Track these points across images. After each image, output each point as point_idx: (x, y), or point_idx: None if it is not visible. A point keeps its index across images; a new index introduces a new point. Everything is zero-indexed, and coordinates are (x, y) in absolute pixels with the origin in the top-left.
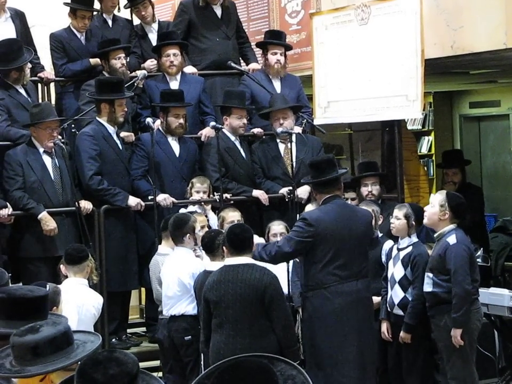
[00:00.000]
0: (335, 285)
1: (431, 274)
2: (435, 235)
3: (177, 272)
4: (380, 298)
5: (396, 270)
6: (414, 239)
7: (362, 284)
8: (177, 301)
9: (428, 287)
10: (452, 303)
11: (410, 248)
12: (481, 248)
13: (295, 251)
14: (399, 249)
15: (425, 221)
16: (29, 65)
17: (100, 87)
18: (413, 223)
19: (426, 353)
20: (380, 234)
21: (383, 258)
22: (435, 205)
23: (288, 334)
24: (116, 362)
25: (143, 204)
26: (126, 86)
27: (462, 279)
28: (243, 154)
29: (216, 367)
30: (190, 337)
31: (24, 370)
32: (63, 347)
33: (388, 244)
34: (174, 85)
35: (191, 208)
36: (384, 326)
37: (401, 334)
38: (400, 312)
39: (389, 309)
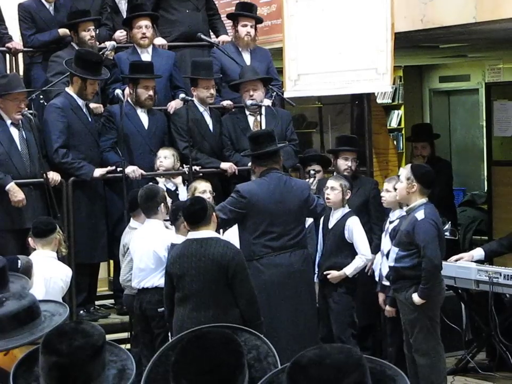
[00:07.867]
0: (267, 256)
1: (396, 249)
2: (405, 209)
3: (152, 245)
4: (340, 272)
5: (384, 243)
6: (404, 212)
7: (295, 256)
8: (149, 274)
9: (391, 262)
10: (422, 276)
11: (397, 222)
12: (449, 222)
13: (229, 219)
14: (390, 222)
15: (397, 197)
16: None
17: (78, 60)
18: None
19: None
20: (347, 210)
21: (346, 234)
22: (402, 180)
23: (252, 308)
24: (82, 334)
25: (105, 170)
26: None
27: (432, 253)
28: (210, 126)
29: (180, 338)
30: (163, 308)
31: None
32: (27, 322)
33: (351, 220)
34: (146, 57)
35: (161, 183)
36: (381, 298)
37: (387, 307)
38: (388, 284)
39: (382, 281)
